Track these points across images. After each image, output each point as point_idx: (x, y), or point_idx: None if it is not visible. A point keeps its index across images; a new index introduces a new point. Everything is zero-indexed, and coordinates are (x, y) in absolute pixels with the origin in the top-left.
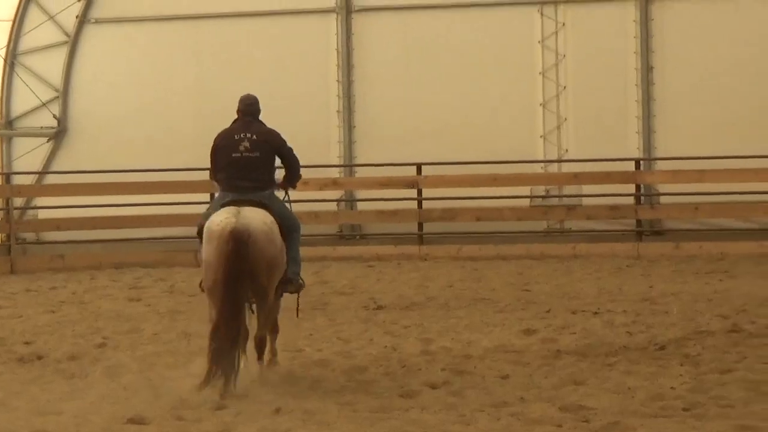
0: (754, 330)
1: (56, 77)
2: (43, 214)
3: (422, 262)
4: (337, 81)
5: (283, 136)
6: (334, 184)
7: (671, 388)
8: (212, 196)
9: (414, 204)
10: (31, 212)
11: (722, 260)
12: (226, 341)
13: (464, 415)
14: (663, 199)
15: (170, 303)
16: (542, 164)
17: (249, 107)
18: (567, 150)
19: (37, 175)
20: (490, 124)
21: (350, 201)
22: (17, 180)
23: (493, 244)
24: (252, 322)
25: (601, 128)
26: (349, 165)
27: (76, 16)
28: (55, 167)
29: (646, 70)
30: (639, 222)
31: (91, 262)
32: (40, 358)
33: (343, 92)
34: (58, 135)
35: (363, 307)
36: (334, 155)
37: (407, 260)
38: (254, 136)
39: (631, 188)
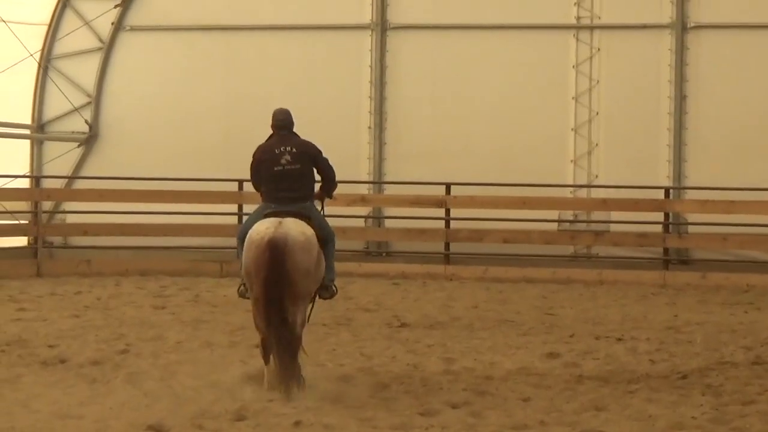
0: None
1: (89, 83)
2: (71, 219)
3: (448, 282)
4: (370, 97)
5: (319, 147)
6: (362, 200)
7: (692, 417)
8: (240, 206)
9: (442, 223)
10: (59, 216)
11: (748, 292)
12: (284, 352)
13: None
14: (691, 229)
15: (194, 312)
16: (571, 189)
17: (284, 121)
18: (597, 176)
19: (67, 180)
20: (521, 146)
21: (378, 218)
22: (47, 184)
23: (520, 267)
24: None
25: (632, 155)
26: (378, 182)
27: (112, 23)
28: (84, 172)
29: (680, 98)
30: (666, 250)
31: (117, 269)
32: (62, 361)
33: (375, 109)
34: (89, 140)
35: (387, 325)
36: (364, 171)
37: (433, 279)
38: (294, 149)
39: (659, 216)
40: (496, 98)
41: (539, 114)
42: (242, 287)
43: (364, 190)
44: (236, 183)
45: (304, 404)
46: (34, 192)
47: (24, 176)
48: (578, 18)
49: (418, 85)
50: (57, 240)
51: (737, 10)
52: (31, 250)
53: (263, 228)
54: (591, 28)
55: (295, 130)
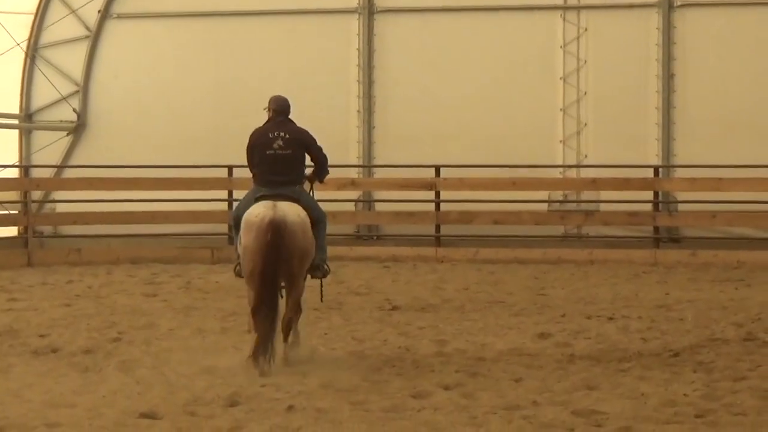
0: None
1: (77, 71)
2: (60, 208)
3: (439, 264)
4: (358, 81)
5: (313, 135)
6: (352, 184)
7: (684, 394)
8: (230, 193)
9: (432, 206)
10: (48, 206)
11: (738, 269)
12: (266, 323)
13: (476, 417)
14: (681, 207)
15: (186, 299)
16: (561, 169)
17: (281, 107)
18: (586, 155)
19: (56, 169)
20: (510, 127)
21: (368, 201)
22: (36, 173)
23: (510, 248)
24: (282, 305)
25: (621, 134)
26: (367, 165)
27: (98, 11)
28: (73, 161)
29: (667, 77)
30: (656, 229)
31: (107, 257)
32: (54, 351)
33: (363, 93)
34: (78, 129)
35: (378, 308)
36: (353, 155)
37: (424, 262)
38: (287, 135)
39: (649, 195)
40: (484, 80)
41: (528, 95)
42: (238, 267)
43: (353, 174)
44: (226, 169)
45: (296, 389)
46: (24, 182)
47: (13, 166)
48: None
49: (406, 68)
50: (47, 229)
51: None
52: (22, 240)
53: (261, 210)
54: (578, 8)
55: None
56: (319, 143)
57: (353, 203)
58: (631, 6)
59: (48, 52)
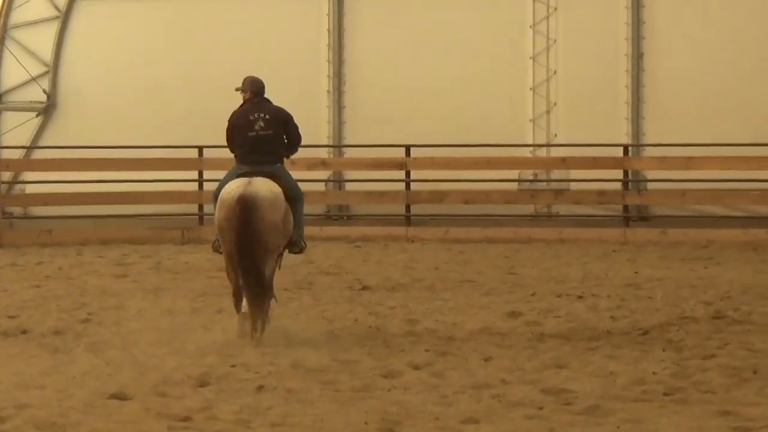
0: (737, 317)
1: (47, 52)
2: (30, 189)
3: (409, 244)
4: (328, 61)
5: (290, 112)
6: (322, 164)
7: (653, 372)
8: (200, 173)
9: (402, 185)
10: (18, 187)
11: (708, 247)
12: (255, 298)
13: (446, 396)
14: (650, 186)
15: (156, 280)
16: (531, 148)
17: (258, 88)
18: (556, 135)
19: (26, 150)
20: (480, 107)
21: (338, 181)
22: (5, 154)
23: (481, 227)
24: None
25: (591, 113)
26: (338, 145)
27: None
28: (43, 142)
29: (637, 56)
30: (626, 208)
31: (78, 238)
32: (24, 332)
33: (333, 72)
34: (48, 110)
35: (348, 288)
36: (324, 135)
37: (394, 241)
38: (267, 116)
39: (619, 174)
40: (454, 59)
41: (497, 74)
42: (216, 242)
43: (324, 153)
44: (196, 150)
45: (266, 369)
46: None
47: None
48: None
49: (376, 47)
50: (17, 210)
51: None
52: None
53: (234, 187)
54: None
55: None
56: (295, 120)
57: (323, 183)
58: None
59: (17, 32)
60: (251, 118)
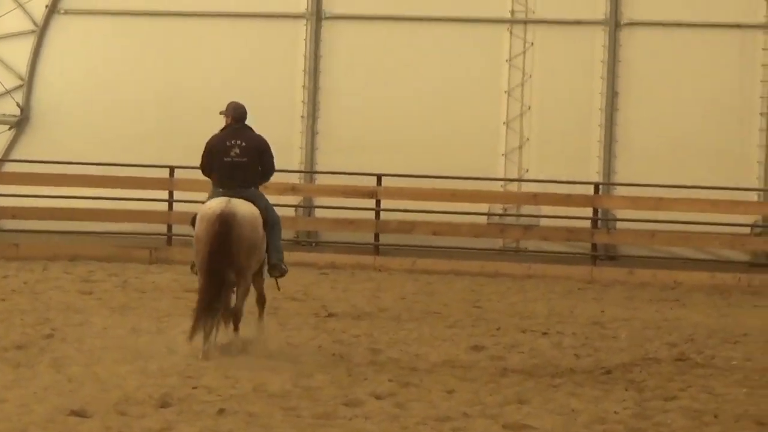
0: (700, 360)
1: (22, 66)
2: None
3: (376, 273)
4: (303, 87)
5: (268, 142)
6: (293, 189)
7: (614, 412)
8: (171, 193)
9: (372, 214)
10: None
11: (675, 289)
12: (206, 305)
13: (407, 427)
14: (620, 225)
15: (122, 298)
16: (502, 182)
17: (239, 114)
18: (527, 170)
19: None
20: (453, 139)
21: (309, 207)
22: None
23: (448, 259)
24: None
25: (563, 150)
26: (309, 171)
27: (46, 6)
28: (15, 156)
29: (612, 95)
30: (594, 246)
31: (45, 253)
32: None
33: (308, 98)
34: (20, 123)
35: (314, 314)
36: (296, 161)
37: (362, 270)
38: (243, 143)
39: (588, 212)
40: (429, 90)
41: (471, 107)
42: (194, 264)
43: (295, 179)
44: (167, 170)
45: (228, 392)
46: None
47: None
48: (513, 12)
49: (352, 75)
50: None
51: (670, 7)
52: None
53: (214, 204)
54: (525, 22)
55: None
56: (272, 152)
57: (293, 209)
58: (578, 22)
59: None
60: (228, 144)
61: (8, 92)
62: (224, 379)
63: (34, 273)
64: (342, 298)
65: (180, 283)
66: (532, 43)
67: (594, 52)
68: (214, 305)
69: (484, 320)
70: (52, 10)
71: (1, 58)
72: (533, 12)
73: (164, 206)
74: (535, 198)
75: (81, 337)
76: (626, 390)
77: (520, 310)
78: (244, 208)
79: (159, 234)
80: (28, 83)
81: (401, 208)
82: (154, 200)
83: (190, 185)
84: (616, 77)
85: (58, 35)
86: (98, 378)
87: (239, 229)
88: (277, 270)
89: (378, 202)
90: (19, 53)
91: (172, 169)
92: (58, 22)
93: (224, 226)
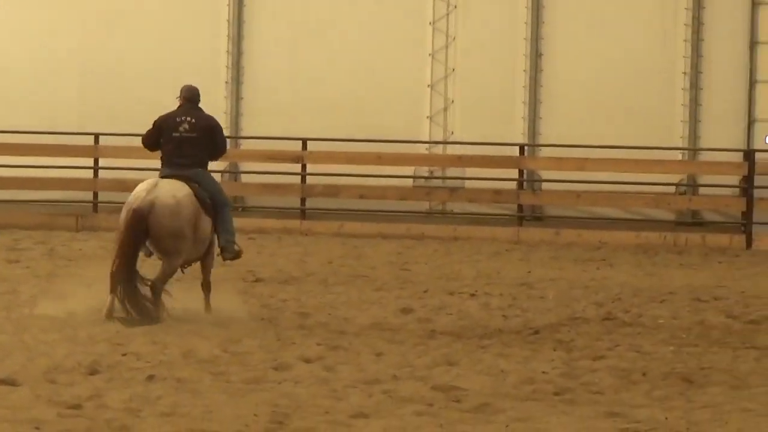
0: (627, 319)
1: None
2: None
3: (303, 237)
4: (227, 52)
5: (220, 123)
6: None
7: (543, 372)
8: (96, 160)
9: (298, 179)
10: None
11: (601, 249)
12: (118, 277)
13: (336, 390)
14: (545, 186)
15: (49, 266)
16: (427, 145)
17: (192, 95)
18: (453, 132)
19: None
20: (378, 103)
21: (234, 173)
22: None
23: (375, 223)
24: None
25: (488, 112)
26: (235, 137)
27: None
28: None
29: (535, 56)
30: (520, 207)
31: None
32: None
33: (232, 63)
34: None
35: (242, 279)
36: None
37: (288, 234)
38: (193, 120)
39: (514, 173)
40: (353, 54)
41: (396, 70)
42: None
43: None
44: (92, 137)
45: (157, 358)
46: None
47: None
48: None
49: (276, 40)
50: None
51: None
52: None
53: (139, 190)
54: None
55: (149, 84)
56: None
57: (219, 174)
58: None
59: None
60: (177, 120)
61: None
62: (153, 346)
63: None
64: (269, 262)
65: (107, 250)
66: (456, 6)
67: (517, 13)
68: (124, 277)
69: (411, 283)
70: None
71: None
72: None
73: (90, 173)
74: (461, 160)
75: (8, 305)
76: (554, 350)
77: (447, 272)
78: (167, 194)
79: (85, 201)
80: None
81: (327, 172)
82: (79, 167)
83: (115, 152)
84: (540, 39)
85: None
86: (26, 346)
87: (154, 218)
88: (229, 252)
89: (304, 167)
90: None
91: (96, 136)
92: None
93: (136, 219)
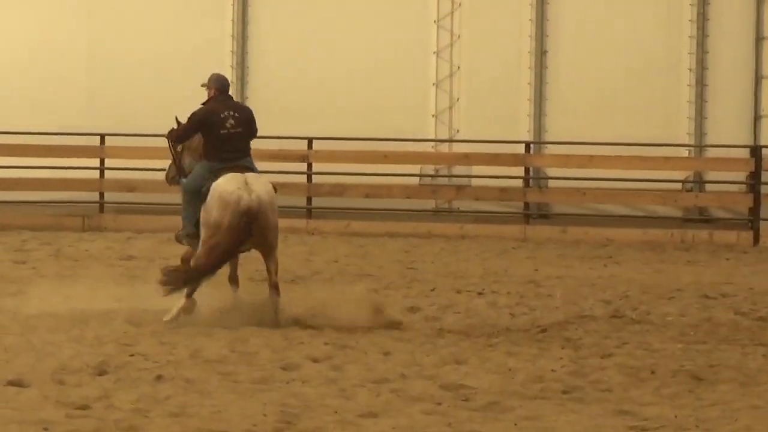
0: (635, 316)
1: None
2: None
3: (309, 237)
4: (232, 51)
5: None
6: None
7: (551, 370)
8: (102, 161)
9: (304, 178)
10: None
11: (607, 246)
12: (206, 274)
13: (345, 389)
14: (551, 183)
15: (55, 267)
16: (433, 143)
17: (224, 86)
18: (458, 130)
19: None
20: (383, 101)
21: None
22: None
23: (381, 221)
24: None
25: (493, 110)
26: None
27: None
28: None
29: (541, 53)
30: (527, 205)
31: None
32: None
33: (237, 63)
34: None
35: (248, 279)
36: None
37: (294, 234)
38: (236, 114)
39: (520, 171)
40: (358, 53)
41: (401, 69)
42: (179, 234)
43: None
44: (98, 137)
45: (165, 359)
46: None
47: None
48: None
49: (281, 39)
50: None
51: None
52: None
53: (233, 188)
54: None
55: (155, 81)
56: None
57: None
58: None
59: None
60: (222, 116)
61: None
62: (160, 346)
63: None
64: None
65: (113, 251)
66: (460, 4)
67: (522, 10)
68: (210, 275)
69: (418, 281)
70: None
71: None
72: None
73: (96, 174)
74: (467, 158)
75: (16, 306)
76: (563, 348)
77: (454, 271)
78: (264, 190)
79: (91, 202)
80: None
81: (333, 171)
82: (85, 168)
83: (122, 152)
84: (545, 36)
85: None
86: (34, 347)
87: (264, 217)
88: None
89: (309, 166)
90: None
91: (102, 136)
92: None
93: (249, 219)
